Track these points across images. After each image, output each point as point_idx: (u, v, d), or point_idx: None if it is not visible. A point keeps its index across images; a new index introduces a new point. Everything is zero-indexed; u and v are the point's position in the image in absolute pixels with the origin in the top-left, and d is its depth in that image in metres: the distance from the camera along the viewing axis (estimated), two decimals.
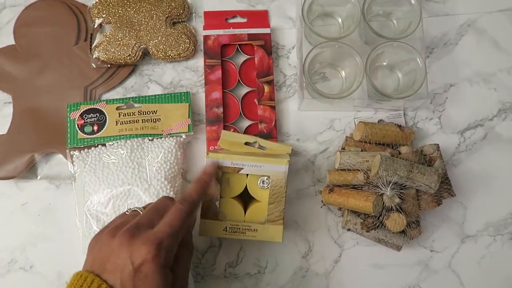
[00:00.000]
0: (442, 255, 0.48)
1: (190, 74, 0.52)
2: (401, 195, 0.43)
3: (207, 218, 0.41)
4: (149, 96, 0.49)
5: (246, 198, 0.43)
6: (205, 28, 0.51)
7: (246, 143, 0.46)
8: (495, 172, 0.50)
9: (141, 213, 0.35)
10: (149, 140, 0.47)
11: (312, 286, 0.47)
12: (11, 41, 0.51)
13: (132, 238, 0.31)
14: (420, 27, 0.48)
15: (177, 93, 0.49)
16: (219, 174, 0.41)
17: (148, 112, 0.48)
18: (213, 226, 0.41)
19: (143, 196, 0.44)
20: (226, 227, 0.41)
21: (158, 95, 0.49)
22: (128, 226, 0.32)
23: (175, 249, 0.33)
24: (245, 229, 0.41)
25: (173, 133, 0.48)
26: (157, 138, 0.48)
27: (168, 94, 0.49)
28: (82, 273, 0.31)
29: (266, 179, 0.41)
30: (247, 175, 0.41)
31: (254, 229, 0.41)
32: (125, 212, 0.36)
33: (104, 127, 0.47)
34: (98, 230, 0.44)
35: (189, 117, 0.48)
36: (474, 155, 0.51)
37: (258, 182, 0.41)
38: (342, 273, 0.47)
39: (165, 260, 0.31)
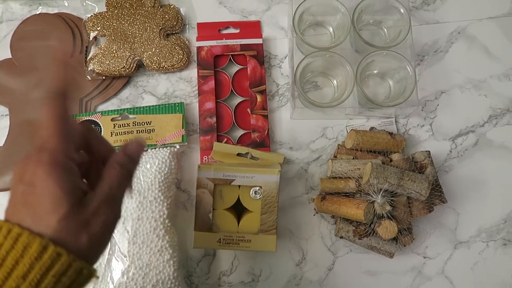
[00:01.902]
0: (435, 262, 0.48)
1: (184, 85, 0.53)
2: (392, 202, 0.43)
3: (201, 231, 0.42)
4: (143, 107, 0.50)
5: (239, 209, 0.43)
6: (198, 39, 0.52)
7: (238, 154, 0.46)
8: (487, 177, 0.51)
9: None
10: (144, 150, 0.48)
11: None
12: (8, 55, 0.52)
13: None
14: (410, 35, 0.49)
15: (171, 103, 0.50)
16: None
17: (143, 123, 0.49)
18: (207, 238, 0.42)
19: (137, 207, 0.44)
20: (220, 239, 0.42)
21: (152, 106, 0.50)
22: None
23: (66, 146, 0.25)
24: (238, 240, 0.41)
25: (167, 143, 0.48)
26: (152, 149, 0.48)
27: (162, 105, 0.50)
28: None
29: (258, 189, 0.42)
30: (239, 186, 0.42)
31: (247, 240, 0.42)
32: None
33: None
34: None
35: (183, 128, 0.49)
36: (466, 161, 0.51)
37: (251, 193, 0.42)
38: (336, 280, 0.48)
39: (54, 157, 0.24)
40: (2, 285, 0.22)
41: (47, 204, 0.23)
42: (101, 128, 0.48)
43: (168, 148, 0.48)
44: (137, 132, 0.48)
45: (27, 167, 0.24)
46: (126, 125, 0.49)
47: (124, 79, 0.52)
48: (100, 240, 0.26)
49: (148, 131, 0.49)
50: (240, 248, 0.42)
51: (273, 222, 0.42)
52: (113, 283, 0.43)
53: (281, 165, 0.47)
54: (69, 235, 0.23)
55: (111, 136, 0.48)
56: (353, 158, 0.47)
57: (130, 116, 0.49)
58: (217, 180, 0.41)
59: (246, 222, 0.42)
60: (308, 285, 0.47)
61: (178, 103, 0.50)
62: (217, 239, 0.41)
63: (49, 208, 0.23)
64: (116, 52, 0.51)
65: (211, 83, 0.51)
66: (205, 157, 0.49)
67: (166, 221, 0.45)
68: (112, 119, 0.49)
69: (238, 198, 0.42)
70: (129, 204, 0.44)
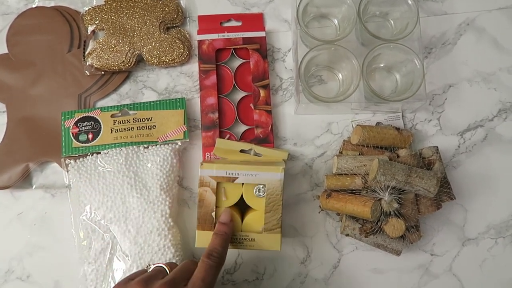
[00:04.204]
0: (443, 259, 0.47)
1: (185, 80, 0.51)
2: (400, 199, 0.42)
3: (204, 230, 0.41)
4: (144, 102, 0.48)
5: (242, 207, 0.42)
6: (199, 32, 0.51)
7: (242, 151, 0.45)
8: (496, 173, 0.49)
9: (165, 268, 0.36)
10: (145, 147, 0.47)
11: None
12: (4, 50, 0.51)
13: None
14: (418, 27, 0.48)
15: (172, 99, 0.49)
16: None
17: (143, 119, 0.48)
18: (210, 237, 0.40)
19: (138, 206, 0.43)
20: None
21: (153, 101, 0.49)
22: (165, 280, 0.34)
23: None
24: (242, 239, 0.40)
25: (169, 140, 0.47)
26: (153, 146, 0.47)
27: (163, 100, 0.49)
28: None
29: (262, 187, 0.41)
30: (243, 184, 0.41)
31: (251, 239, 0.41)
32: (146, 268, 0.38)
33: (99, 135, 0.47)
34: (93, 240, 0.44)
35: (184, 124, 0.48)
36: (475, 157, 0.50)
37: (254, 191, 0.41)
38: (342, 278, 0.47)
39: None
40: None
41: None
42: (100, 125, 0.47)
43: (169, 145, 0.47)
44: (137, 129, 0.47)
45: None
46: (126, 121, 0.47)
47: (123, 74, 0.51)
48: None
49: (149, 127, 0.47)
50: (244, 248, 0.41)
51: (277, 221, 0.41)
52: (114, 283, 0.43)
53: (285, 161, 0.46)
54: None
55: (111, 133, 0.47)
56: (359, 154, 0.46)
57: (130, 112, 0.48)
58: (219, 178, 0.40)
59: (250, 220, 0.41)
60: (313, 283, 0.47)
61: (179, 98, 0.49)
62: None
63: None
64: (115, 46, 0.49)
65: (213, 78, 0.49)
66: (207, 154, 0.48)
67: (169, 219, 0.44)
68: (112, 116, 0.48)
69: (242, 196, 0.41)
70: (130, 203, 0.44)
